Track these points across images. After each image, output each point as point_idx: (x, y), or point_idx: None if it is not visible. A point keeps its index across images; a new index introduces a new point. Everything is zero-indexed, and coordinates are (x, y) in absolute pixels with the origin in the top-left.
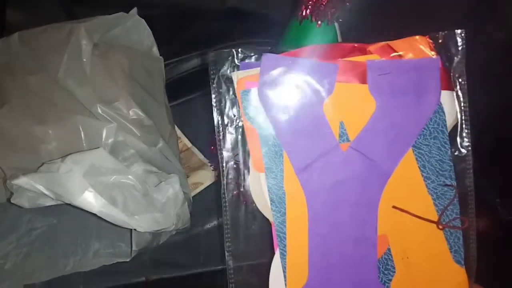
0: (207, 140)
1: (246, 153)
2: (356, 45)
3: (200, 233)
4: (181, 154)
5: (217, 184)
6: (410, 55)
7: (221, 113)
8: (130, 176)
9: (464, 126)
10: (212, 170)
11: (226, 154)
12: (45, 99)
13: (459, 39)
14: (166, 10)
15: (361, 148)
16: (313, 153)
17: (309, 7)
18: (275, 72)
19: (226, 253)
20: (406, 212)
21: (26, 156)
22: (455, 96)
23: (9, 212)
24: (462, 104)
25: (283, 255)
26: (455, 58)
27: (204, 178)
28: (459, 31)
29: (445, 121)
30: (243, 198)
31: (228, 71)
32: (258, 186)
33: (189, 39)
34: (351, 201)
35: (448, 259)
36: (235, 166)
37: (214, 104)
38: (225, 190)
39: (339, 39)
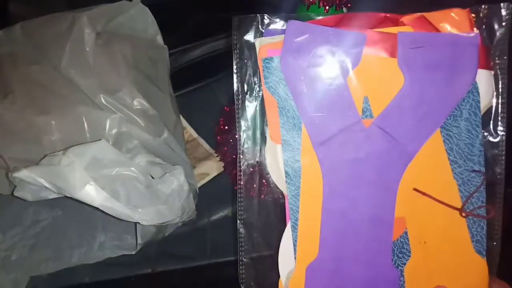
0: (213, 130)
1: (265, 123)
2: (388, 15)
3: (207, 225)
4: (187, 145)
5: (223, 175)
6: (447, 29)
7: (242, 81)
8: (133, 168)
9: (500, 109)
10: (219, 160)
11: (243, 123)
12: (48, 89)
13: (504, 13)
14: None
15: (385, 126)
16: (333, 128)
17: None
18: (299, 40)
19: (238, 221)
20: (427, 196)
21: (29, 147)
22: (493, 76)
23: (14, 204)
24: (500, 85)
25: (294, 229)
26: (497, 34)
27: (211, 169)
28: (504, 4)
29: (479, 103)
30: (258, 169)
31: (252, 37)
32: (274, 157)
33: (194, 27)
34: (369, 179)
35: (469, 249)
36: (252, 136)
37: (235, 71)
38: (241, 159)
39: None
